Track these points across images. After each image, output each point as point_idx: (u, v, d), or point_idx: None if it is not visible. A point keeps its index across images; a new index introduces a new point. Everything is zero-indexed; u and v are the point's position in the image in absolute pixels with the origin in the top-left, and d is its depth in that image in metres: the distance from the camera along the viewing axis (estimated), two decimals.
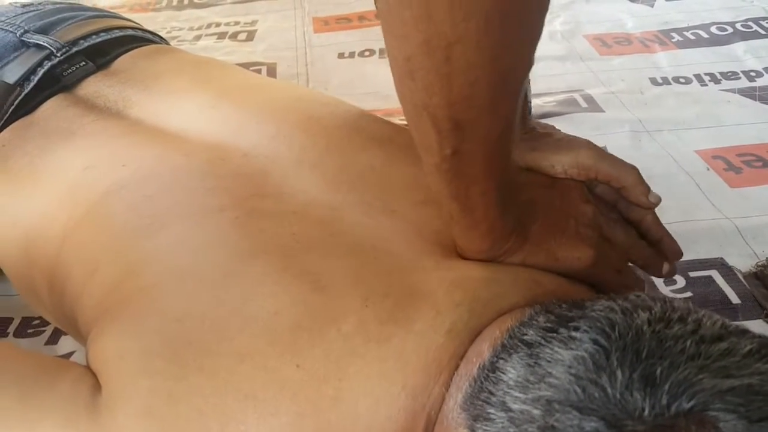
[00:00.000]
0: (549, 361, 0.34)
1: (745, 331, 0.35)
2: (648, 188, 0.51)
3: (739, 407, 0.29)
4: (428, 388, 0.39)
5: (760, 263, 0.74)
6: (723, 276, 0.73)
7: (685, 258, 0.75)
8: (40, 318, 0.72)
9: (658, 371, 0.31)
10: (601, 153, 0.52)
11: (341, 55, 1.27)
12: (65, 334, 0.69)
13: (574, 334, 0.35)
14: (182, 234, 0.48)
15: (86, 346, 0.47)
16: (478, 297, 0.43)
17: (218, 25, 1.40)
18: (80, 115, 0.62)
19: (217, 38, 1.33)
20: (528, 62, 0.35)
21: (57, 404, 0.41)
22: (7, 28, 0.68)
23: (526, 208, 0.46)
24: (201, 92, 0.63)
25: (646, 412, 0.30)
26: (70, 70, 0.66)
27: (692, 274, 0.74)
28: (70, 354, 0.68)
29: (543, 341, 0.36)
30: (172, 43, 1.31)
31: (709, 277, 0.73)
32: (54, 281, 0.54)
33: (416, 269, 0.45)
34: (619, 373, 0.32)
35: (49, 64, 0.65)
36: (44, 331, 0.71)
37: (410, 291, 0.43)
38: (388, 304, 0.42)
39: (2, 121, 0.63)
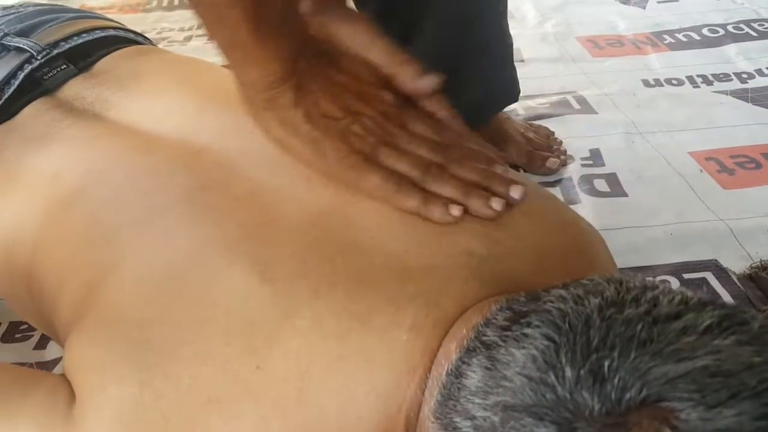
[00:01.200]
0: (504, 363, 0.33)
1: (706, 303, 0.32)
2: (419, 72, 0.48)
3: (694, 393, 0.27)
4: (401, 388, 0.38)
5: (754, 265, 0.74)
6: (717, 278, 0.73)
7: (678, 259, 0.76)
8: (27, 323, 0.70)
9: (607, 363, 0.29)
10: (378, 34, 0.49)
11: None
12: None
13: (526, 330, 0.34)
14: (135, 239, 0.47)
15: (63, 355, 0.46)
16: (430, 287, 0.41)
17: None
18: (57, 119, 0.60)
19: (208, 39, 1.32)
20: None
21: (32, 414, 0.40)
22: None
23: (311, 72, 0.46)
24: (175, 91, 0.62)
25: (596, 410, 0.29)
26: (51, 74, 0.64)
27: (686, 275, 0.73)
28: (58, 360, 0.67)
29: (500, 341, 0.34)
30: (162, 44, 1.30)
31: (703, 279, 0.73)
32: (31, 289, 0.53)
33: (359, 252, 0.43)
34: (568, 370, 0.30)
35: (30, 67, 0.64)
36: (32, 336, 0.70)
37: (356, 278, 0.41)
38: (339, 294, 0.40)
39: None
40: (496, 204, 0.44)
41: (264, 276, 0.41)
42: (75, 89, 0.63)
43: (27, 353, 0.68)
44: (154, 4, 1.51)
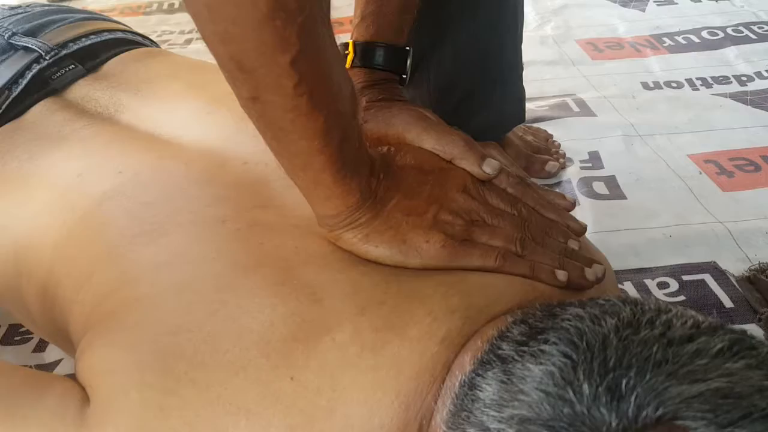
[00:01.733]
0: (521, 378, 0.34)
1: (717, 328, 0.34)
2: (480, 156, 0.50)
3: (708, 413, 0.29)
4: (421, 396, 0.39)
5: (752, 267, 0.74)
6: (716, 280, 0.73)
7: (678, 261, 0.76)
8: None
9: (624, 382, 0.31)
10: (426, 125, 0.51)
11: None
12: None
13: (543, 347, 0.35)
14: (182, 244, 0.47)
15: (75, 356, 0.46)
16: (474, 303, 0.42)
17: None
18: (70, 119, 0.61)
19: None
20: (292, 4, 0.33)
21: (44, 418, 0.40)
22: None
23: (386, 183, 0.46)
24: (195, 97, 0.62)
25: (614, 426, 0.30)
26: (59, 74, 0.65)
27: (685, 277, 0.73)
28: (58, 362, 0.67)
29: (516, 356, 0.36)
30: (163, 46, 1.30)
31: (702, 281, 0.73)
32: (45, 290, 0.52)
33: (415, 273, 0.44)
34: (585, 387, 0.31)
35: (38, 67, 0.64)
36: (31, 338, 0.70)
37: (406, 296, 0.42)
38: (384, 310, 0.41)
39: None
40: (590, 275, 0.47)
41: (313, 297, 0.42)
42: (84, 90, 0.64)
43: (26, 356, 0.68)
44: (155, 7, 1.51)
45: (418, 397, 0.39)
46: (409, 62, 0.58)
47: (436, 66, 0.72)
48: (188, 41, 1.34)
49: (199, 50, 1.29)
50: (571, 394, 0.31)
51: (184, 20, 1.44)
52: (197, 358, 0.40)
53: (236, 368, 0.39)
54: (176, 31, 1.38)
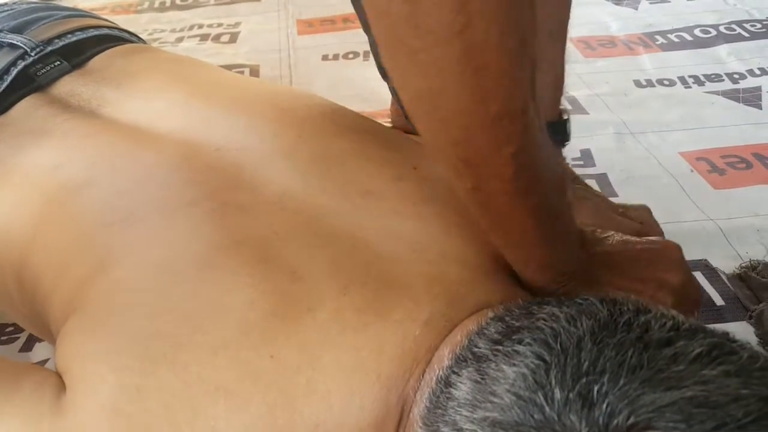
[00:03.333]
0: (494, 379, 0.34)
1: (696, 331, 0.34)
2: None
3: (680, 423, 0.28)
4: (403, 379, 0.39)
5: (743, 265, 0.73)
6: (707, 278, 0.73)
7: None
8: (14, 325, 0.70)
9: (596, 388, 0.30)
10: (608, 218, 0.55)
11: (325, 57, 1.26)
12: (40, 341, 0.67)
13: (517, 347, 0.34)
14: (156, 227, 0.47)
15: (55, 345, 0.45)
16: (457, 291, 0.42)
17: (201, 26, 1.38)
18: (53, 114, 0.60)
19: (200, 40, 1.32)
20: (516, 105, 0.34)
21: (19, 405, 0.40)
22: None
23: (599, 259, 0.48)
24: (174, 89, 0.62)
25: None
26: (44, 70, 0.65)
27: None
28: (45, 361, 0.66)
29: (491, 355, 0.35)
30: (154, 44, 1.30)
31: None
32: (24, 282, 0.52)
33: (395, 261, 0.44)
34: (557, 391, 0.31)
35: (23, 63, 0.64)
36: (18, 338, 0.69)
37: (388, 281, 0.42)
38: (367, 292, 0.41)
39: None
40: None
41: (294, 275, 0.42)
42: (69, 86, 0.64)
43: (12, 355, 0.67)
44: (146, 5, 1.50)
45: (399, 381, 0.38)
46: (568, 128, 0.57)
47: None
48: (179, 39, 1.33)
49: (189, 48, 1.28)
50: (542, 398, 0.31)
51: (176, 18, 1.44)
52: (176, 339, 0.40)
53: (215, 348, 0.39)
54: (167, 30, 1.38)
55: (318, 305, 0.40)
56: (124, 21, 1.39)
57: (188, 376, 0.38)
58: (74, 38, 0.68)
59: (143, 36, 1.34)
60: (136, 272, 0.45)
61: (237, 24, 1.39)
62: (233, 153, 0.53)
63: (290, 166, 0.52)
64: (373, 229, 0.46)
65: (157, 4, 1.51)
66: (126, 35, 0.75)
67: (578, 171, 0.91)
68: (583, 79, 1.14)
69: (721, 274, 0.73)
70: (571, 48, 1.25)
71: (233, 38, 1.33)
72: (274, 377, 0.38)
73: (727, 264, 0.74)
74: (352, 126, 0.58)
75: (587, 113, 1.04)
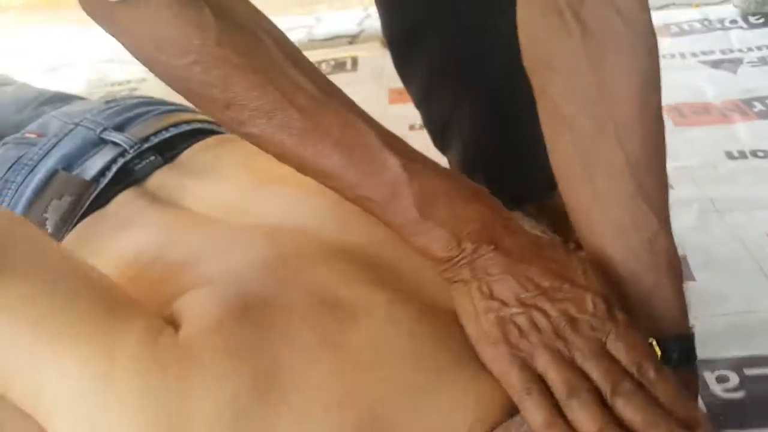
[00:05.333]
0: None
1: None
2: None
3: None
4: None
5: None
6: None
7: (740, 354, 0.72)
8: None
9: None
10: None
11: (412, 127, 1.30)
12: None
13: None
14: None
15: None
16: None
17: None
18: (143, 207, 0.68)
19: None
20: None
21: (139, 316, 0.45)
22: (89, 126, 0.76)
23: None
24: (249, 178, 0.68)
25: None
26: (140, 165, 0.73)
27: (747, 371, 0.70)
28: None
29: None
30: None
31: (767, 377, 0.69)
32: None
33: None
34: None
35: (123, 160, 0.72)
36: None
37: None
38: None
39: (79, 216, 0.70)
40: None
41: (347, 278, 0.47)
42: (160, 179, 0.71)
43: None
44: None
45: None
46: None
47: (458, 132, 0.73)
48: None
49: None
50: None
51: None
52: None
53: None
54: None
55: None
56: None
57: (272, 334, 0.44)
58: (168, 134, 0.76)
59: None
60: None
61: None
62: (291, 229, 0.57)
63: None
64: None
65: None
66: (216, 127, 0.83)
67: None
68: (671, 150, 1.11)
69: None
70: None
71: None
72: (345, 350, 0.43)
73: None
74: None
75: (672, 188, 1.01)
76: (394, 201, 0.44)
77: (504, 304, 0.43)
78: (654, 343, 0.43)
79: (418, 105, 0.86)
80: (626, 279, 0.48)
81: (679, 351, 0.45)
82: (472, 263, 0.44)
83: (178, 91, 0.48)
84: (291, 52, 0.47)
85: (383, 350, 0.43)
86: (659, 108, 0.51)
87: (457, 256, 0.44)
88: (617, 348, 0.41)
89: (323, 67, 1.62)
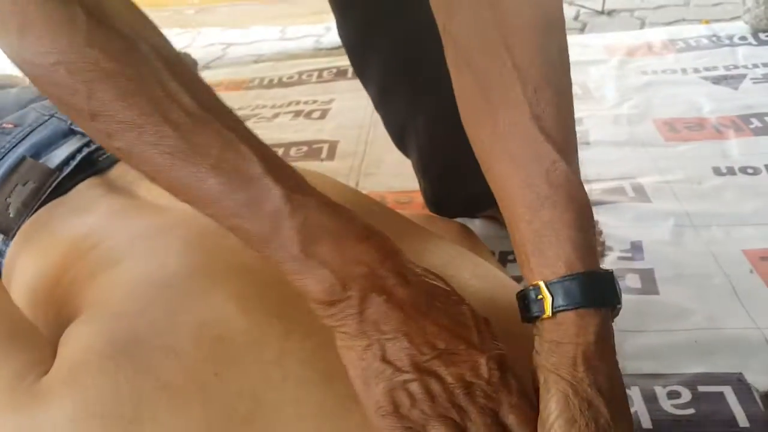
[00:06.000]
0: None
1: None
2: None
3: None
4: None
5: None
6: (736, 393, 0.67)
7: (697, 370, 0.71)
8: None
9: None
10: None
11: None
12: None
13: None
14: (135, 250, 0.55)
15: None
16: None
17: (297, 103, 1.49)
18: (102, 194, 0.69)
19: (293, 116, 1.42)
20: None
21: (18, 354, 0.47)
22: (62, 117, 0.78)
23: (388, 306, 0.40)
24: None
25: None
26: (104, 155, 0.74)
27: (701, 388, 0.68)
28: None
29: None
30: (252, 120, 1.42)
31: (720, 394, 0.67)
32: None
33: None
34: None
35: (87, 150, 0.74)
36: None
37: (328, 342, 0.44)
38: (308, 347, 0.45)
39: (41, 202, 0.72)
40: None
41: (244, 306, 0.47)
42: (122, 169, 0.72)
43: None
44: (255, 82, 1.65)
45: None
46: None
47: (414, 134, 0.73)
48: (275, 115, 1.44)
49: (281, 124, 1.39)
50: None
51: (278, 95, 1.56)
52: (142, 339, 0.45)
53: (169, 350, 0.44)
54: (268, 105, 1.50)
55: (263, 343, 0.45)
56: (233, 97, 1.54)
57: (140, 366, 0.43)
58: None
59: (246, 111, 1.48)
60: (123, 281, 0.51)
61: (330, 101, 1.48)
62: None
63: None
64: None
65: (266, 82, 1.65)
66: None
67: (623, 264, 0.87)
68: (657, 164, 1.10)
69: (755, 392, 0.67)
70: (652, 130, 1.21)
71: (323, 114, 1.42)
72: (215, 394, 0.42)
73: (763, 380, 0.68)
74: None
75: (650, 202, 1.00)
76: (274, 234, 0.40)
77: (398, 369, 0.40)
78: (542, 286, 0.42)
79: (376, 107, 0.86)
80: (522, 217, 0.45)
81: (563, 293, 0.42)
82: (362, 314, 0.40)
83: (48, 97, 0.43)
84: (172, 63, 0.42)
85: (263, 400, 0.42)
86: (562, 42, 0.48)
87: (342, 301, 0.40)
88: (510, 420, 0.40)
89: (325, 75, 1.64)
